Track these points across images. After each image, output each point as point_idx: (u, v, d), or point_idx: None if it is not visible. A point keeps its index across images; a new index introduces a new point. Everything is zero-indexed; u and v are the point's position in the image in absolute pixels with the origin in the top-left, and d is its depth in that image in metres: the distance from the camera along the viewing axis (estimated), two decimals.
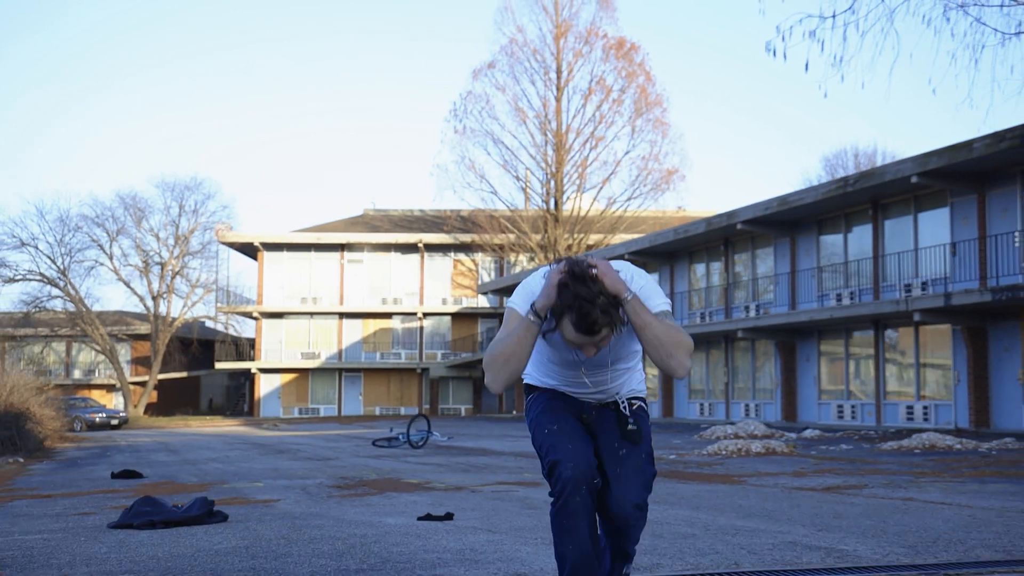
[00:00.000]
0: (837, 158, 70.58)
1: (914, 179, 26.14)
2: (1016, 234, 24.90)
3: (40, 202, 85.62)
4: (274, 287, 59.54)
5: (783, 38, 12.48)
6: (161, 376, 62.59)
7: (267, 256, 59.79)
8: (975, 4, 13.71)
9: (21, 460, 20.37)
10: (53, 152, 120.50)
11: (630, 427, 4.18)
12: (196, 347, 62.66)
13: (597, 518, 4.11)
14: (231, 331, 62.97)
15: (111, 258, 59.97)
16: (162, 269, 60.87)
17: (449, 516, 8.71)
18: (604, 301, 3.81)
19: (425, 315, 59.82)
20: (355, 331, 59.93)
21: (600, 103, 51.77)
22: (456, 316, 60.26)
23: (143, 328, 63.76)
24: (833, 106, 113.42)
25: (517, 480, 13.05)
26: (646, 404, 4.38)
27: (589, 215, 52.77)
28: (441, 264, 60.49)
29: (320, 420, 53.45)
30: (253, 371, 58.81)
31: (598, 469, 4.06)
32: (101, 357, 63.57)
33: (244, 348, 61.08)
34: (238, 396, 69.64)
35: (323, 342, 59.79)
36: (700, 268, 38.74)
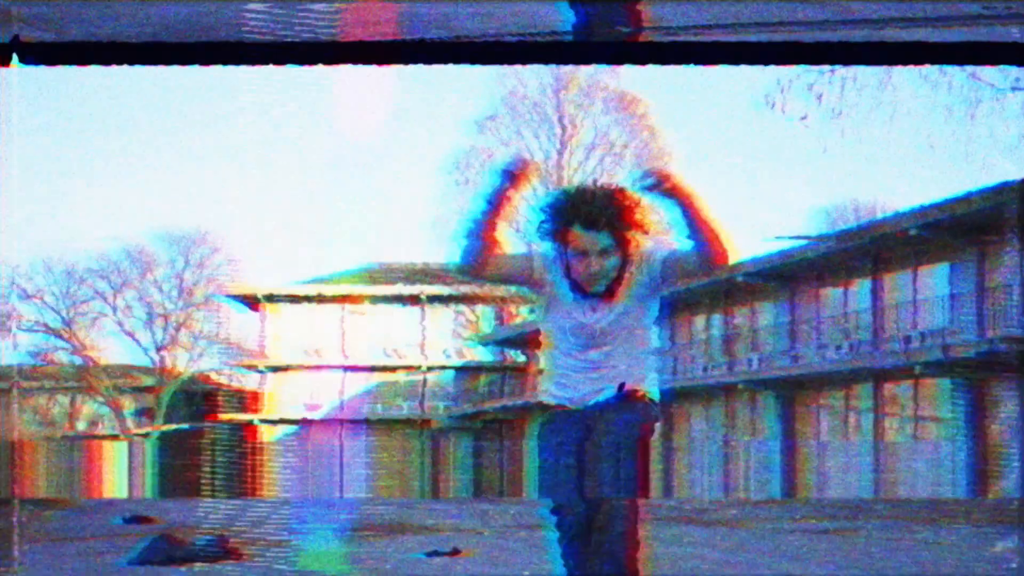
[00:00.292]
0: (838, 211, 70.60)
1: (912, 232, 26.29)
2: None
3: (49, 257, 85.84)
4: (276, 339, 59.30)
5: (782, 90, 12.84)
6: (164, 428, 62.34)
7: (269, 307, 59.59)
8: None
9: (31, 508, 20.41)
10: (59, 202, 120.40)
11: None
12: (199, 399, 62.50)
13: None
14: (234, 383, 62.77)
15: (115, 311, 60.13)
16: (165, 321, 60.89)
17: None
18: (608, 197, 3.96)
19: (429, 368, 59.46)
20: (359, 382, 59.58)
21: (603, 157, 51.98)
22: (459, 369, 59.88)
23: (148, 380, 63.68)
24: (833, 159, 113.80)
25: None
26: (654, 407, 4.00)
27: None
28: (443, 315, 60.17)
29: None
30: (255, 423, 58.45)
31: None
32: (106, 409, 63.46)
33: (247, 400, 60.82)
34: None
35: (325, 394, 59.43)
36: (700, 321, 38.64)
